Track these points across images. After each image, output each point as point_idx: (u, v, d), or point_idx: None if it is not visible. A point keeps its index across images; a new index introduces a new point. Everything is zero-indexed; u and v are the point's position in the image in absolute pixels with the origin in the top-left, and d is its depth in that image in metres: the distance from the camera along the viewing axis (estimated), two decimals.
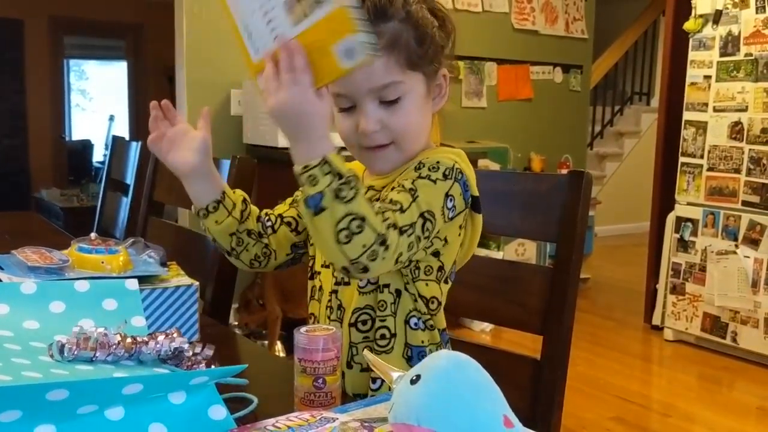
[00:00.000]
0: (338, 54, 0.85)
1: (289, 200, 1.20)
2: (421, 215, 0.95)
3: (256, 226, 1.14)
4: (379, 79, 0.98)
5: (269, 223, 1.16)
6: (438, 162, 1.01)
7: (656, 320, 3.85)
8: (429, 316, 1.07)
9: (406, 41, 0.99)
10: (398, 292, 1.04)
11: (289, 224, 1.16)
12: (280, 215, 1.17)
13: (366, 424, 0.70)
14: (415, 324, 1.05)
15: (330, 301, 1.09)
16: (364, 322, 1.05)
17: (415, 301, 1.05)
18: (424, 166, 1.00)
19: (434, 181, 0.99)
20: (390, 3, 0.99)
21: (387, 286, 1.04)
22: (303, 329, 0.88)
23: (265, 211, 1.18)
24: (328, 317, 1.09)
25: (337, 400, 0.88)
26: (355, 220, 0.87)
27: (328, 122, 0.92)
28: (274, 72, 0.87)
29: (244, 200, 1.14)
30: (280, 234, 1.16)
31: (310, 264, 1.16)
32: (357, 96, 1.00)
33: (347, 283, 1.06)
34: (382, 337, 1.04)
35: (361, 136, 1.02)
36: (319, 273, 1.12)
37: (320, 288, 1.12)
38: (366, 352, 0.81)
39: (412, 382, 0.64)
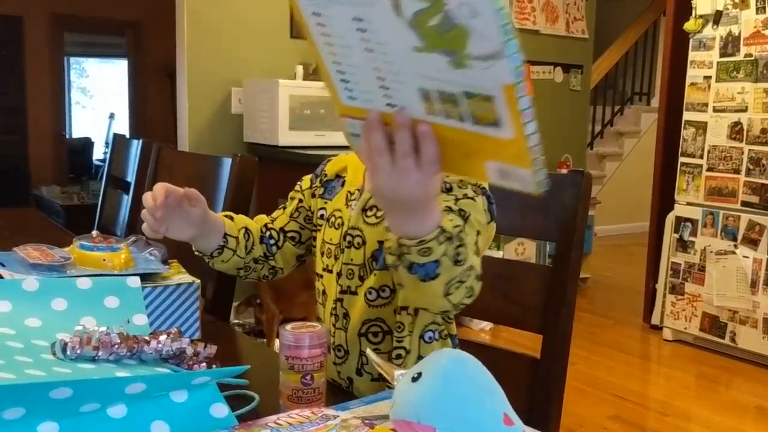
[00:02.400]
0: (490, 170, 0.70)
1: (288, 210, 1.18)
2: (477, 232, 0.94)
3: (261, 249, 1.16)
4: None
5: (272, 242, 1.16)
6: (460, 179, 0.99)
7: (655, 320, 3.86)
8: (444, 326, 1.08)
9: None
10: (416, 311, 1.04)
11: (293, 239, 1.16)
12: (282, 230, 1.16)
13: (367, 421, 0.70)
14: (430, 338, 1.06)
15: (335, 308, 1.08)
16: (375, 334, 1.05)
17: (435, 314, 1.05)
18: (452, 188, 0.98)
19: (473, 199, 0.97)
20: None
21: (405, 307, 1.03)
22: (289, 327, 0.89)
23: (265, 223, 1.18)
24: (333, 324, 1.08)
25: (324, 396, 0.88)
26: (465, 272, 0.85)
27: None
28: (385, 146, 0.71)
29: (246, 232, 1.13)
30: (285, 250, 1.17)
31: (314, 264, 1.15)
32: None
33: (353, 293, 1.05)
34: (398, 356, 1.04)
35: None
36: (322, 276, 1.11)
37: (324, 292, 1.11)
38: (369, 351, 0.81)
39: (414, 379, 0.64)
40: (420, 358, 1.04)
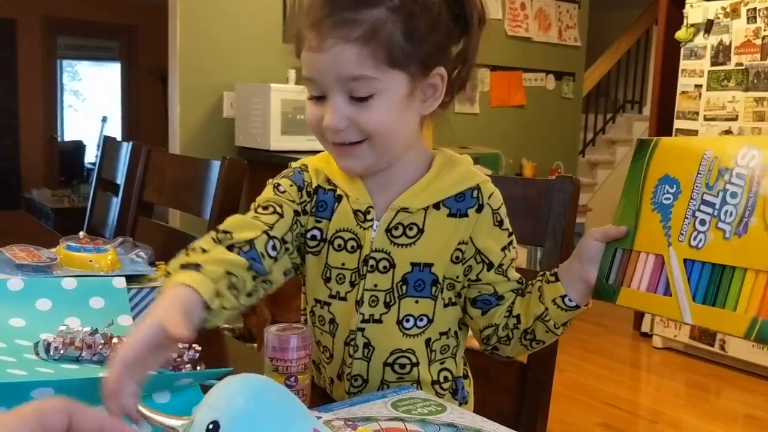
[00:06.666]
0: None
1: (287, 220, 0.95)
2: None
3: (250, 276, 0.88)
4: (347, 70, 0.86)
5: (274, 253, 0.92)
6: (500, 201, 0.99)
7: (645, 327, 3.87)
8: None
9: (389, 34, 0.85)
10: (456, 334, 1.02)
11: (287, 250, 0.95)
12: (283, 239, 0.94)
13: (350, 422, 0.70)
14: (461, 357, 1.05)
15: (353, 339, 0.96)
16: (402, 366, 0.97)
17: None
18: (501, 219, 0.98)
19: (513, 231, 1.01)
20: None
21: (447, 331, 1.00)
22: (273, 329, 0.88)
23: (266, 231, 0.91)
24: (350, 355, 0.96)
25: (308, 398, 0.88)
26: None
27: None
28: None
29: (228, 276, 0.84)
30: (282, 262, 0.94)
31: (304, 288, 1.01)
32: (325, 84, 0.88)
33: (378, 321, 0.95)
34: (446, 379, 1.00)
35: (326, 130, 0.90)
36: (329, 304, 0.98)
37: (332, 320, 0.98)
38: (140, 407, 0.65)
39: (210, 431, 0.53)
40: (453, 378, 1.01)
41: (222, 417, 0.52)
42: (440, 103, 0.95)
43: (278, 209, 0.95)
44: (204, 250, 0.86)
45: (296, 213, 0.97)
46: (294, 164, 1.02)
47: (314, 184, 0.99)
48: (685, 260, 0.79)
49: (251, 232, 0.90)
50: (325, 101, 0.89)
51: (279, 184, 1.00)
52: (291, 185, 0.99)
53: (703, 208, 0.78)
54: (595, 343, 3.80)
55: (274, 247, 0.91)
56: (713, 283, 0.75)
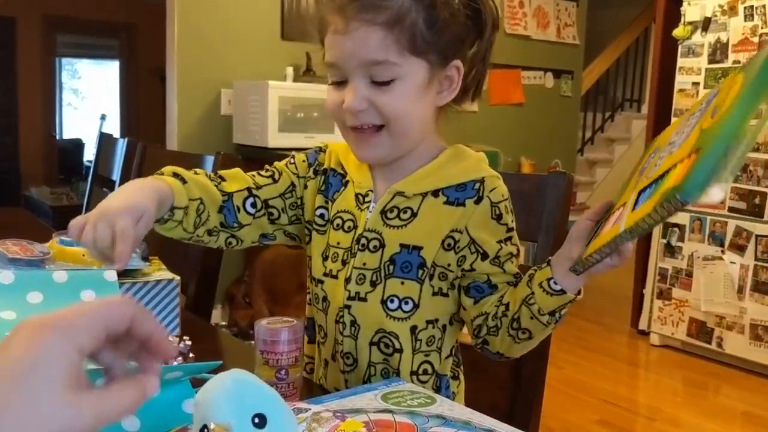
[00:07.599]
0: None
1: (279, 186, 1.04)
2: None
3: (218, 218, 0.99)
4: (371, 54, 0.90)
5: (252, 210, 1.02)
6: (503, 196, 0.99)
7: (643, 325, 3.87)
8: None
9: (413, 22, 0.89)
10: (444, 327, 1.01)
11: (271, 215, 1.04)
12: (266, 201, 1.03)
13: (338, 414, 0.70)
14: (448, 354, 1.04)
15: (341, 316, 0.99)
16: (387, 345, 0.98)
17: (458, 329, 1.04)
18: (500, 213, 0.98)
19: (514, 228, 1.00)
20: None
21: (434, 321, 1.00)
22: (264, 322, 0.89)
23: (249, 187, 1.02)
24: (341, 332, 0.99)
25: (299, 391, 0.88)
26: None
27: None
28: None
29: (201, 203, 0.96)
30: (259, 223, 1.03)
31: (309, 266, 1.06)
32: (347, 68, 0.92)
33: (363, 299, 0.98)
34: (425, 372, 0.99)
35: (346, 113, 0.94)
36: (322, 282, 1.02)
37: (325, 298, 1.02)
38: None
39: (257, 425, 0.53)
40: (437, 375, 1.00)
41: (265, 410, 0.52)
42: (454, 98, 0.99)
43: (275, 175, 1.05)
44: (196, 173, 0.98)
45: (293, 185, 1.05)
46: (318, 144, 1.10)
47: (325, 165, 1.06)
48: (640, 192, 0.76)
49: (236, 185, 1.01)
50: (345, 86, 0.93)
51: (294, 157, 1.08)
52: (303, 160, 1.08)
53: (668, 147, 0.77)
54: (593, 341, 3.80)
55: (253, 205, 1.02)
56: (650, 190, 0.73)
